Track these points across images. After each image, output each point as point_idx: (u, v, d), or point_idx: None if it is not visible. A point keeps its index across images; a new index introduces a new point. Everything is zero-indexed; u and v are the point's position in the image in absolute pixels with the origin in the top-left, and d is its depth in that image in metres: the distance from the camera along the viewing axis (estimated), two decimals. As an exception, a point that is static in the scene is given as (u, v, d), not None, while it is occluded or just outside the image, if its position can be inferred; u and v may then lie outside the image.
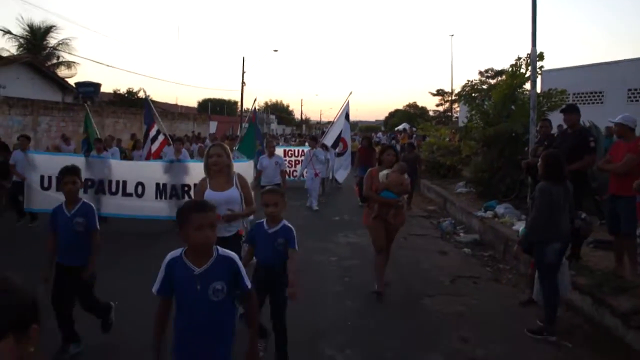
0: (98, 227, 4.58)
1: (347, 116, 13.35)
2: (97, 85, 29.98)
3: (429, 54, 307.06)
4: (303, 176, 13.72)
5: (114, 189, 9.72)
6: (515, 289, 6.56)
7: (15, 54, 27.99)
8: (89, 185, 9.59)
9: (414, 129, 34.91)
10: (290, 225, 4.16)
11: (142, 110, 29.70)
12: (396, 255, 8.16)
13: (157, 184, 9.57)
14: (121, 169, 9.92)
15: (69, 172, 4.54)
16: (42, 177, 9.64)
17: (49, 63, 30.10)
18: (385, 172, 6.28)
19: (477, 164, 12.35)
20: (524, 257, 6.44)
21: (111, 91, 35.01)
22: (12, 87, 19.97)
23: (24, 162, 9.85)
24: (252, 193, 8.50)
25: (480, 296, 6.27)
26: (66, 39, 31.63)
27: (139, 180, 9.63)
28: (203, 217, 2.67)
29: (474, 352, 4.61)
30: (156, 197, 9.58)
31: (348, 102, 13.33)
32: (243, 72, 44.98)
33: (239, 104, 50.00)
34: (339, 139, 13.10)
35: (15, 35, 29.65)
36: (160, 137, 12.40)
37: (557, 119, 8.74)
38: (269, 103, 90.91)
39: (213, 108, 58.05)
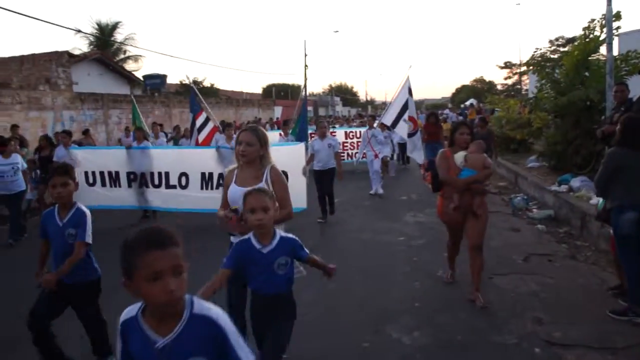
0: (88, 240, 3.84)
1: (409, 91, 12.02)
2: (163, 77, 30.84)
3: (494, 25, 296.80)
4: (364, 157, 12.83)
5: (156, 181, 9.32)
6: (595, 267, 6.16)
7: (87, 51, 29.16)
8: (131, 178, 9.41)
9: (482, 104, 33.87)
10: (290, 236, 3.15)
11: (207, 99, 30.64)
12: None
13: (203, 174, 8.98)
14: (163, 159, 9.41)
15: (58, 173, 3.79)
16: (86, 173, 9.46)
17: (118, 58, 31.23)
18: (461, 153, 5.23)
19: (550, 136, 11.76)
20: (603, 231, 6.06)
21: (177, 82, 35.98)
22: (83, 83, 20.81)
23: (67, 159, 9.48)
24: (305, 180, 7.99)
25: (555, 275, 5.93)
26: (132, 33, 32.81)
27: (183, 170, 9.09)
28: (160, 259, 1.65)
29: (550, 335, 4.33)
30: (202, 188, 8.99)
31: (408, 76, 12.04)
32: (305, 55, 45.05)
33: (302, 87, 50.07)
34: (401, 117, 11.78)
35: (86, 33, 30.92)
36: (210, 125, 11.70)
37: (637, 85, 8.12)
38: (333, 85, 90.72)
39: (277, 93, 58.55)
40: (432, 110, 17.24)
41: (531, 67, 12.93)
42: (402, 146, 15.79)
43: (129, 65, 31.75)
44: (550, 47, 39.86)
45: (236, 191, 3.60)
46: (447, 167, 5.26)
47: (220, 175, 8.70)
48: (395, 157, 15.54)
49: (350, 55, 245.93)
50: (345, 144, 16.55)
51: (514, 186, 12.20)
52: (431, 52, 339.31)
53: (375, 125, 12.86)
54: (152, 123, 15.84)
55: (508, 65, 55.22)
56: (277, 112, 42.42)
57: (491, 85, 63.04)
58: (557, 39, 43.54)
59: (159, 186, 9.28)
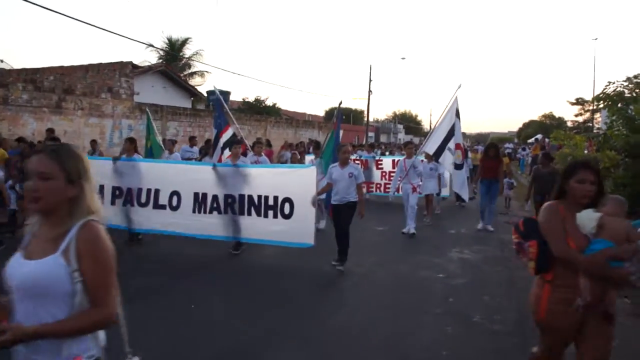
0: None
1: (457, 114, 10.30)
2: (226, 93, 31.19)
3: (567, 60, 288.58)
4: (398, 191, 11.10)
5: (143, 199, 8.18)
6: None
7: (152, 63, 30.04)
8: (116, 195, 8.28)
9: (547, 139, 32.45)
10: None
11: (267, 117, 30.82)
12: (513, 275, 7.22)
13: (196, 195, 7.97)
14: (154, 175, 8.27)
15: None
16: None
17: (185, 73, 31.99)
18: (590, 214, 3.04)
19: (618, 177, 10.79)
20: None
21: (240, 99, 36.46)
22: (147, 95, 21.23)
23: None
24: (314, 211, 7.22)
25: (619, 335, 5.13)
26: (200, 49, 33.61)
27: (175, 188, 8.05)
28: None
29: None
30: (194, 211, 7.97)
31: (457, 97, 10.31)
32: (370, 81, 44.88)
33: (365, 112, 49.84)
34: (446, 145, 10.15)
35: (157, 48, 31.88)
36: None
37: None
38: (397, 113, 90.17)
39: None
40: (492, 142, 14.73)
41: (601, 103, 11.91)
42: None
43: (194, 80, 32.46)
44: (627, 83, 37.81)
45: (16, 266, 2.00)
46: (559, 234, 3.06)
47: (215, 198, 7.93)
48: (441, 191, 13.43)
49: (416, 83, 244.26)
50: (392, 174, 14.39)
51: (575, 228, 11.27)
52: (500, 84, 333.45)
53: (417, 154, 11.19)
54: (167, 139, 14.29)
55: (580, 102, 52.92)
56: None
57: (561, 121, 60.59)
58: (635, 76, 41.43)
59: (145, 205, 8.20)
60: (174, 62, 31.53)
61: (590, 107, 46.69)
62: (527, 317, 5.47)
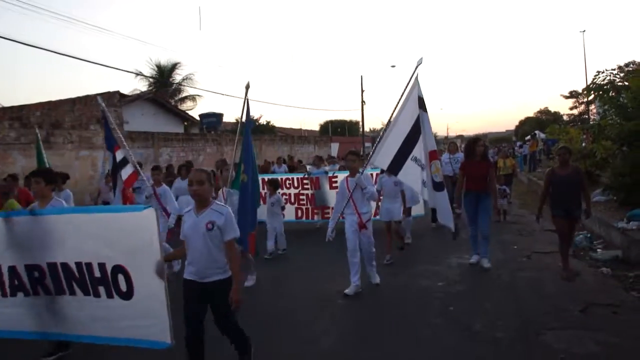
0: None
1: (421, 103, 6.65)
2: (219, 116, 31.25)
3: (558, 54, 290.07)
4: (342, 217, 6.75)
5: None
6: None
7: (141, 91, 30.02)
8: None
9: (542, 134, 32.33)
10: None
11: (261, 137, 30.72)
12: (514, 277, 7.00)
13: None
14: None
15: None
16: None
17: (176, 98, 32.00)
18: None
19: (616, 167, 10.59)
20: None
21: (234, 120, 36.47)
22: (137, 122, 21.19)
23: None
24: (163, 284, 3.80)
25: (621, 331, 4.90)
26: (190, 73, 33.67)
27: None
28: None
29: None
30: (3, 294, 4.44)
31: (417, 77, 6.63)
32: (362, 91, 44.84)
33: (360, 123, 49.78)
34: (409, 152, 6.60)
35: (146, 76, 31.91)
36: (129, 168, 7.94)
37: None
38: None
39: (334, 130, 58.47)
40: (476, 137, 9.37)
41: (592, 93, 11.75)
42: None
43: (186, 105, 32.50)
44: (618, 72, 37.62)
45: None
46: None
47: (13, 271, 4.37)
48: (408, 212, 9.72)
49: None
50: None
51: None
52: (494, 83, 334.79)
53: (362, 170, 6.66)
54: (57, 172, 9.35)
55: (574, 95, 52.91)
56: (334, 148, 42.14)
57: (557, 116, 60.60)
58: (626, 65, 41.29)
59: None
60: (164, 88, 31.55)
61: (584, 100, 46.59)
62: (529, 321, 5.26)
